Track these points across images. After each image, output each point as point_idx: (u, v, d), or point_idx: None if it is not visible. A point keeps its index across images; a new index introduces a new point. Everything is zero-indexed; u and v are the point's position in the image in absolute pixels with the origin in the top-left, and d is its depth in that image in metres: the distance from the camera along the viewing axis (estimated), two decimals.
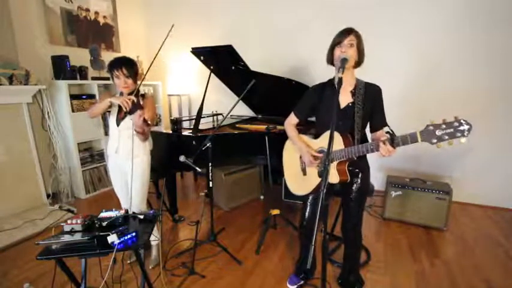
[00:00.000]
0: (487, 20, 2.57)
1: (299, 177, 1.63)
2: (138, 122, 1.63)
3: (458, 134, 1.02)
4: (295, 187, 1.67)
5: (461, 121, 1.02)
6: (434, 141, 1.06)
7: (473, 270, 1.92)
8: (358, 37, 1.37)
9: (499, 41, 2.57)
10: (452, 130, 1.03)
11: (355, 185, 1.52)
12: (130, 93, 1.73)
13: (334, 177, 1.37)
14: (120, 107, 1.73)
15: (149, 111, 1.73)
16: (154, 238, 1.96)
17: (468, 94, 2.75)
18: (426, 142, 1.08)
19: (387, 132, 1.20)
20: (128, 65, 1.71)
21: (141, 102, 1.72)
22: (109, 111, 1.82)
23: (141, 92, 1.83)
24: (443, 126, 1.04)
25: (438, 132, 1.05)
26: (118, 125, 1.77)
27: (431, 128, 1.06)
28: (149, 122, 1.67)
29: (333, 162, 1.39)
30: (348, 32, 1.36)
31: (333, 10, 3.10)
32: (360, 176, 1.51)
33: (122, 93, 1.78)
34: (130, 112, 1.62)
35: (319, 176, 1.46)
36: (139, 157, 1.82)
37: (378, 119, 1.45)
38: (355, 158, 1.34)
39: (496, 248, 2.19)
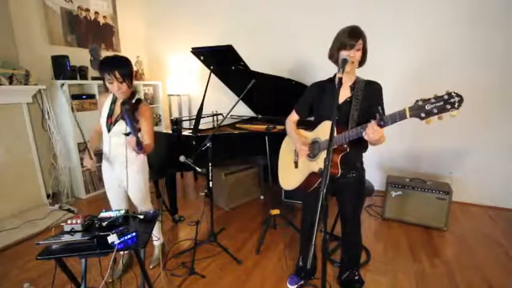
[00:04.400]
0: (487, 19, 2.57)
1: (291, 170, 1.64)
2: (131, 144, 1.43)
3: (448, 106, 0.97)
4: (285, 181, 1.70)
5: (452, 93, 0.97)
6: (423, 115, 1.02)
7: (473, 270, 1.92)
8: (364, 39, 1.36)
9: (500, 40, 2.57)
10: (442, 103, 0.98)
11: (349, 185, 1.50)
12: (127, 99, 1.58)
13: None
14: (111, 110, 1.63)
15: (147, 127, 1.60)
16: (156, 238, 1.96)
17: (468, 93, 2.70)
18: (415, 117, 1.04)
19: (377, 113, 1.17)
20: (121, 67, 1.49)
21: (137, 113, 1.58)
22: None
23: (137, 96, 1.66)
24: (433, 100, 1.00)
25: (428, 107, 1.01)
26: (109, 130, 1.62)
27: (420, 103, 1.03)
28: (144, 147, 1.48)
29: (322, 152, 1.40)
30: (357, 37, 1.33)
31: (332, 9, 3.09)
32: (353, 176, 1.50)
33: (116, 98, 1.64)
34: (123, 118, 1.48)
35: (319, 172, 1.45)
36: (135, 164, 1.69)
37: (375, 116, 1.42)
38: (346, 147, 1.32)
39: (496, 248, 2.19)
